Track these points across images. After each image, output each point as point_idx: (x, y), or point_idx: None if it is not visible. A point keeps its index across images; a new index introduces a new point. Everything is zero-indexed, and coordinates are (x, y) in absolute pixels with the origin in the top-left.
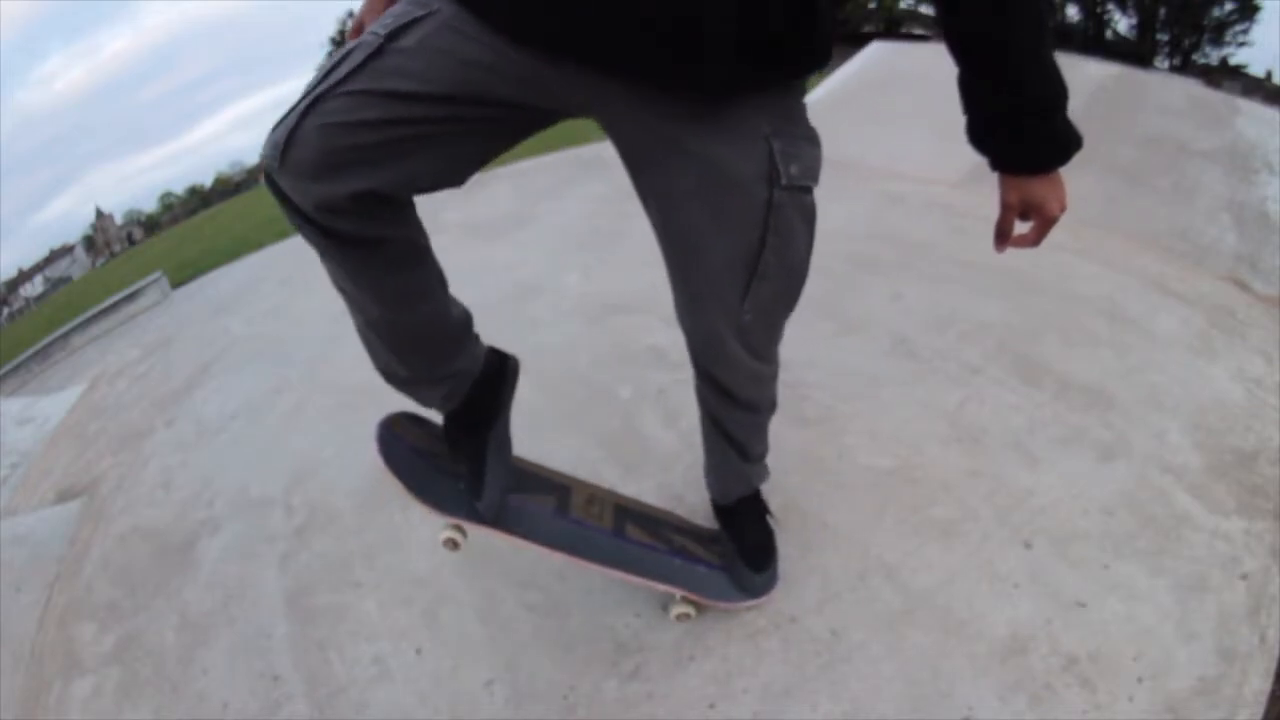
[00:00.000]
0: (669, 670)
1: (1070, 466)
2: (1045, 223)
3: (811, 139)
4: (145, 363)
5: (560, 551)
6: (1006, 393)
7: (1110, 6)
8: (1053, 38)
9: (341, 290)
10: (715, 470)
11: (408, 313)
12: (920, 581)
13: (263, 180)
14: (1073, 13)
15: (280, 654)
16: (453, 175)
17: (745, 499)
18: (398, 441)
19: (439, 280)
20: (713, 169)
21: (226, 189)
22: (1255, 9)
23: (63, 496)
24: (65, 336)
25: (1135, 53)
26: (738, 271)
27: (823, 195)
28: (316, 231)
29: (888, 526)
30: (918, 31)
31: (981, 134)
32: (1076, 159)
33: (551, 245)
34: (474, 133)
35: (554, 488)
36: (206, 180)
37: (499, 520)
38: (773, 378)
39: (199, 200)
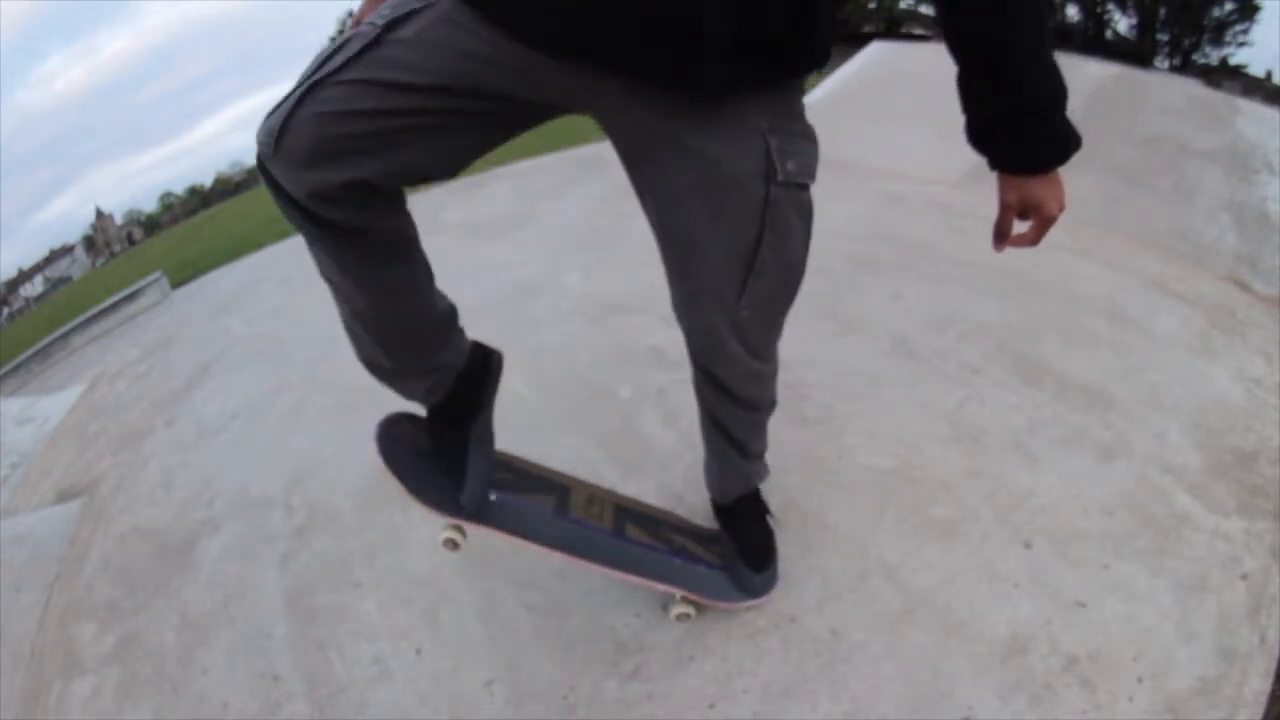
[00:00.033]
0: (669, 670)
1: (1070, 466)
2: (1044, 222)
3: (808, 136)
4: (145, 363)
5: (560, 551)
6: (1006, 393)
7: (1110, 6)
8: (1052, 37)
9: (329, 280)
10: (715, 468)
11: (394, 304)
12: (920, 581)
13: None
14: (1073, 13)
15: (280, 654)
16: (446, 167)
17: (745, 498)
18: (397, 442)
19: (426, 273)
20: (710, 165)
21: (226, 189)
22: (1255, 9)
23: (63, 496)
24: (65, 336)
25: (1135, 53)
26: (735, 268)
27: (823, 195)
28: (307, 220)
29: (888, 526)
30: (918, 31)
31: (981, 134)
32: (1076, 159)
33: (551, 245)
34: (469, 125)
35: (554, 488)
36: (206, 180)
37: (481, 513)
38: (772, 376)
39: (199, 200)
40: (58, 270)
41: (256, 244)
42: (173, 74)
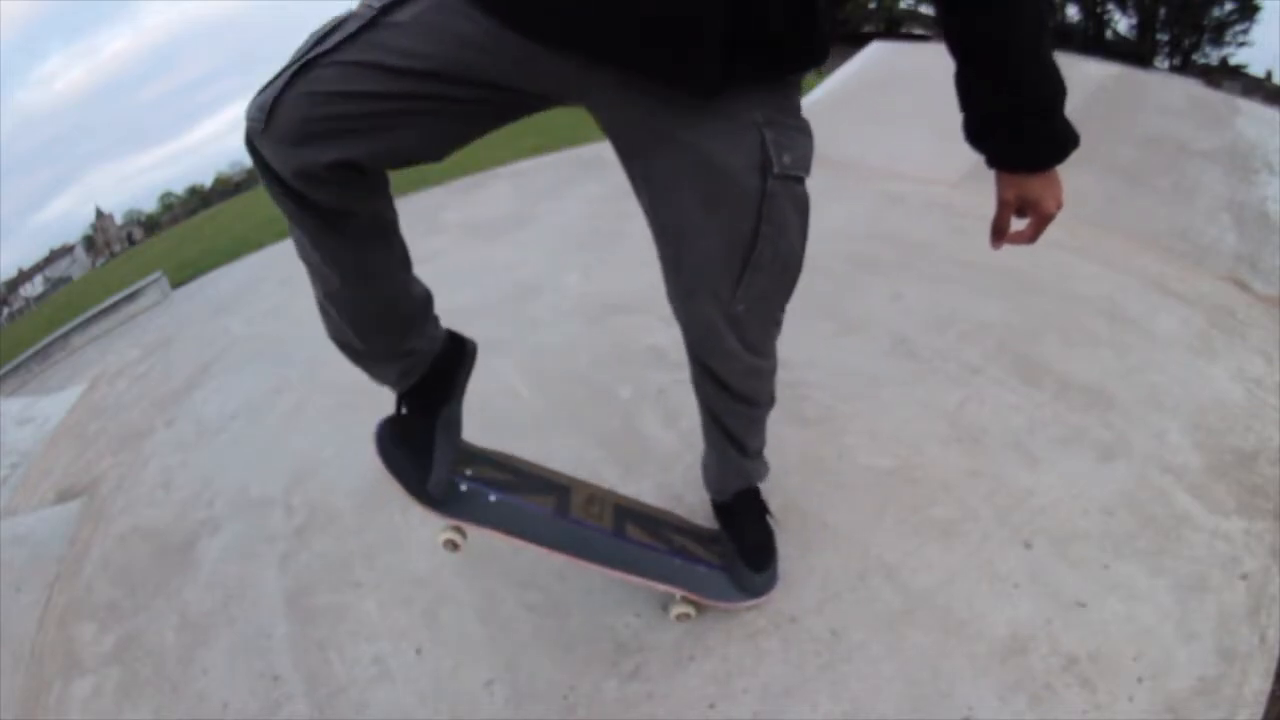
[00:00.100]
0: (669, 670)
1: (1070, 466)
2: (1042, 220)
3: (803, 130)
4: (145, 363)
5: (560, 552)
6: (1006, 393)
7: (1110, 6)
8: (1052, 37)
9: (307, 262)
10: (713, 464)
11: (368, 288)
12: (920, 581)
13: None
14: (1073, 13)
15: (280, 654)
16: (434, 151)
17: (745, 498)
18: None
19: (403, 259)
20: (705, 158)
21: (226, 189)
22: (1255, 9)
23: (63, 496)
24: (65, 336)
25: (1135, 53)
26: (731, 262)
27: (823, 195)
28: (291, 199)
29: (888, 526)
30: (918, 31)
31: (980, 133)
32: (1076, 158)
33: (551, 245)
34: (460, 112)
35: (554, 488)
36: (206, 180)
37: (447, 500)
38: (770, 373)
39: (199, 200)
40: (58, 270)
41: (256, 244)
42: (173, 74)
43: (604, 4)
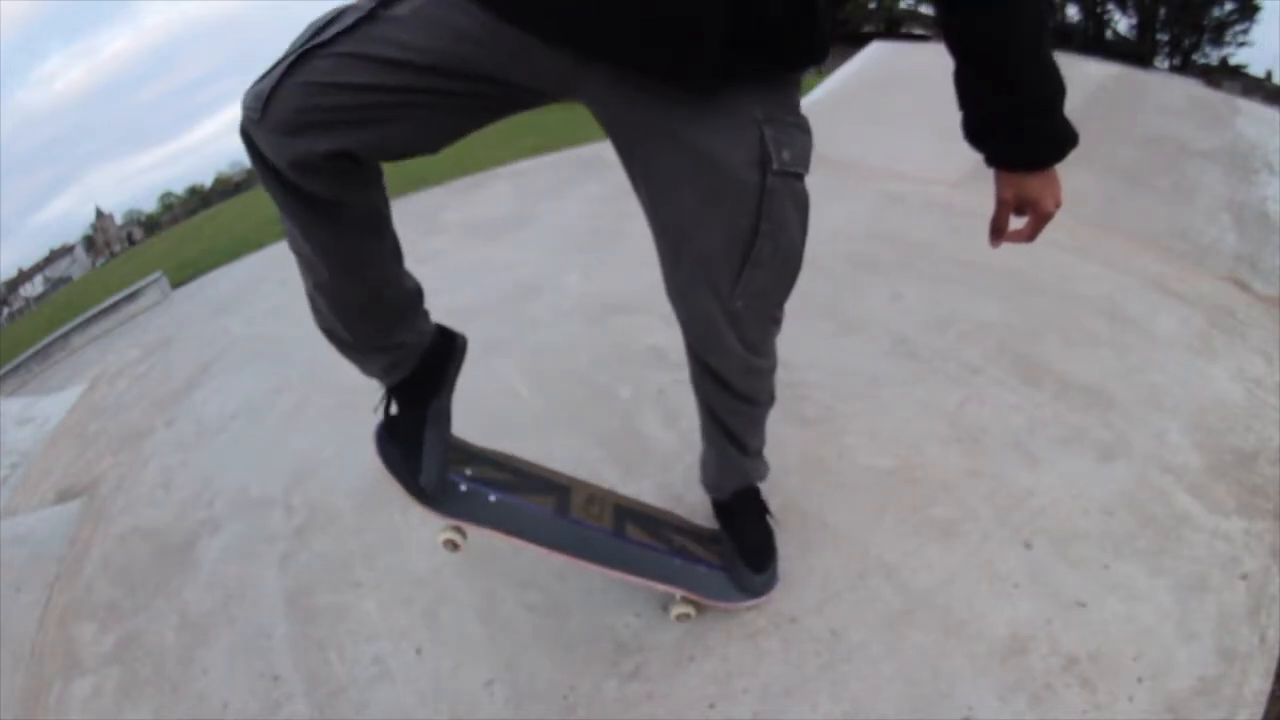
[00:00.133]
0: (669, 670)
1: (1070, 466)
2: (1040, 218)
3: (802, 127)
4: (145, 363)
5: (560, 552)
6: (1006, 393)
7: (1110, 6)
8: (1051, 37)
9: (298, 253)
10: (711, 462)
11: (357, 280)
12: (920, 581)
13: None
14: (1073, 13)
15: (280, 654)
16: (429, 143)
17: (744, 498)
18: None
19: (394, 252)
20: (704, 154)
21: (226, 189)
22: (1255, 9)
23: (63, 496)
24: (65, 336)
25: (1135, 53)
26: (731, 258)
27: (823, 195)
28: (284, 189)
29: (888, 526)
30: (918, 31)
31: (980, 132)
32: (1076, 158)
33: (551, 245)
34: (457, 106)
35: (554, 488)
36: (206, 180)
37: (440, 497)
38: (770, 371)
39: (199, 200)
40: (58, 270)
41: (256, 244)
42: (173, 74)
43: (603, 3)
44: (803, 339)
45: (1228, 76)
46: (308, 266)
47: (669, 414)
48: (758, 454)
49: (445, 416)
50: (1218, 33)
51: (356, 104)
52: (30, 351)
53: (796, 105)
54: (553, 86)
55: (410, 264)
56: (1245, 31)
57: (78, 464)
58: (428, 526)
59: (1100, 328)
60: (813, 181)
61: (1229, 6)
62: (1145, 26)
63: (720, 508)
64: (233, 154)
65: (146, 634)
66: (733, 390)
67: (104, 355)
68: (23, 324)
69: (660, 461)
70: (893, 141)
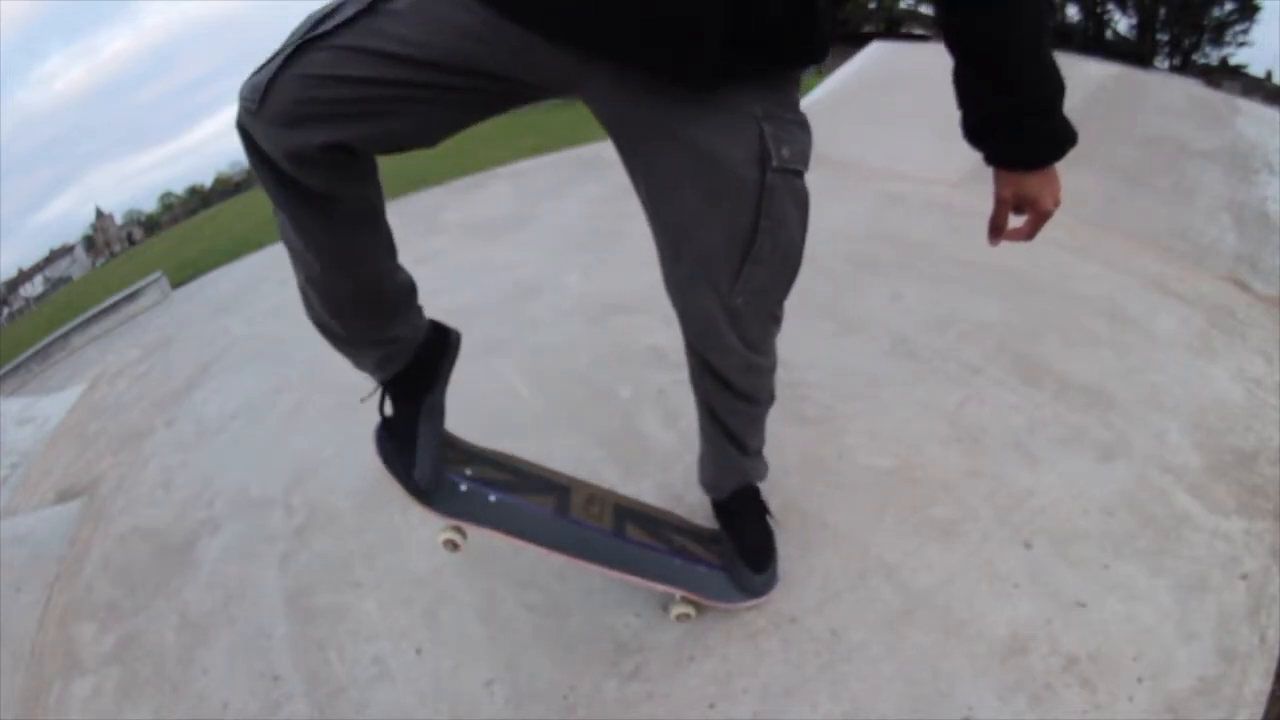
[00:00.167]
0: (669, 670)
1: (1070, 466)
2: (1039, 217)
3: (802, 124)
4: (145, 363)
5: (560, 552)
6: (1006, 393)
7: (1110, 6)
8: (1051, 36)
9: (290, 248)
10: (710, 461)
11: (349, 274)
12: (920, 581)
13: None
14: (1073, 13)
15: (280, 654)
16: (427, 138)
17: (744, 497)
18: None
19: (389, 246)
20: (703, 151)
21: (226, 189)
22: (1255, 9)
23: (63, 496)
24: (65, 336)
25: (1135, 53)
26: (731, 255)
27: (823, 195)
28: (280, 182)
29: (888, 526)
30: (918, 31)
31: (980, 131)
32: (1076, 158)
33: (551, 245)
34: (456, 101)
35: (554, 488)
36: (206, 180)
37: (435, 492)
38: (770, 370)
39: (199, 200)
40: (58, 270)
41: (256, 244)
42: (173, 74)
43: (605, 3)
44: (803, 339)
45: (1228, 76)
46: (299, 261)
47: (669, 414)
48: (757, 453)
49: (439, 412)
50: (1218, 33)
51: (355, 97)
52: (30, 351)
53: (796, 103)
54: (553, 83)
55: (410, 264)
56: (1245, 31)
57: (78, 464)
58: (428, 526)
59: (1100, 328)
60: (813, 181)
61: (1229, 6)
62: (1145, 26)
63: (720, 507)
64: (233, 154)
65: (146, 634)
66: (733, 389)
67: (104, 355)
68: (23, 324)
69: (660, 461)
70: (893, 141)
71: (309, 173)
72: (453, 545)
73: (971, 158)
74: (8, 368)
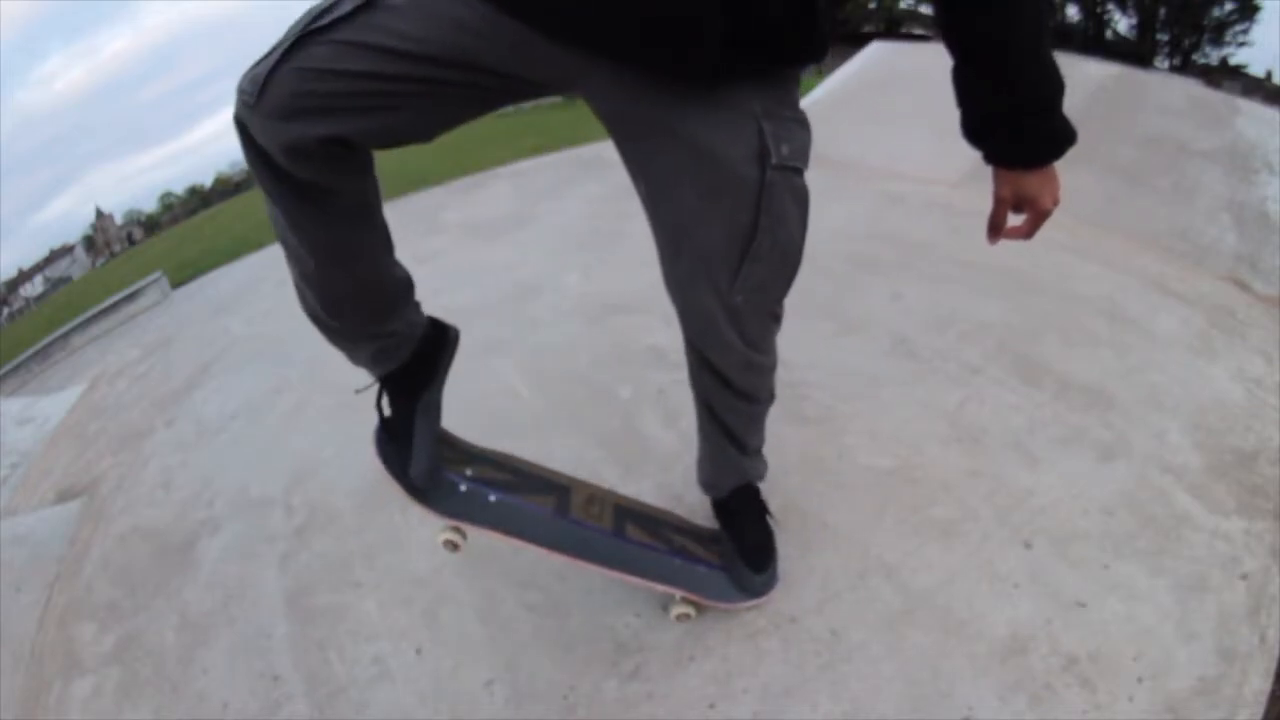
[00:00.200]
0: (669, 670)
1: (1070, 466)
2: (1038, 216)
3: (801, 122)
4: (145, 363)
5: (560, 552)
6: (1006, 393)
7: (1110, 6)
8: (1051, 36)
9: (284, 243)
10: (709, 460)
11: (344, 270)
12: (920, 581)
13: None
14: (1073, 13)
15: (280, 654)
16: (424, 132)
17: (744, 497)
18: None
19: (385, 241)
20: (703, 149)
21: (226, 189)
22: (1255, 9)
23: (63, 496)
24: (65, 336)
25: (1135, 53)
26: (730, 253)
27: (823, 195)
28: (276, 177)
29: (888, 526)
30: (918, 31)
31: (979, 131)
32: (1076, 157)
33: (551, 245)
34: (454, 96)
35: (554, 488)
36: (206, 180)
37: (431, 489)
38: (770, 369)
39: (199, 200)
40: (58, 270)
41: (256, 244)
42: (173, 74)
43: (604, 2)
44: (803, 338)
45: (1228, 76)
46: (294, 257)
47: (669, 414)
48: (756, 452)
49: (435, 410)
50: (1218, 33)
51: (353, 91)
52: (30, 351)
53: (795, 101)
54: (553, 80)
55: (410, 264)
56: (1245, 31)
57: (78, 464)
58: (428, 526)
59: (1100, 328)
60: (813, 181)
61: (1229, 6)
62: (1145, 26)
63: (720, 507)
64: (232, 154)
65: (146, 634)
66: (732, 387)
67: (104, 355)
68: (23, 324)
69: (660, 461)
70: (893, 141)
71: (305, 166)
72: (453, 545)
73: (971, 158)
74: (8, 368)
